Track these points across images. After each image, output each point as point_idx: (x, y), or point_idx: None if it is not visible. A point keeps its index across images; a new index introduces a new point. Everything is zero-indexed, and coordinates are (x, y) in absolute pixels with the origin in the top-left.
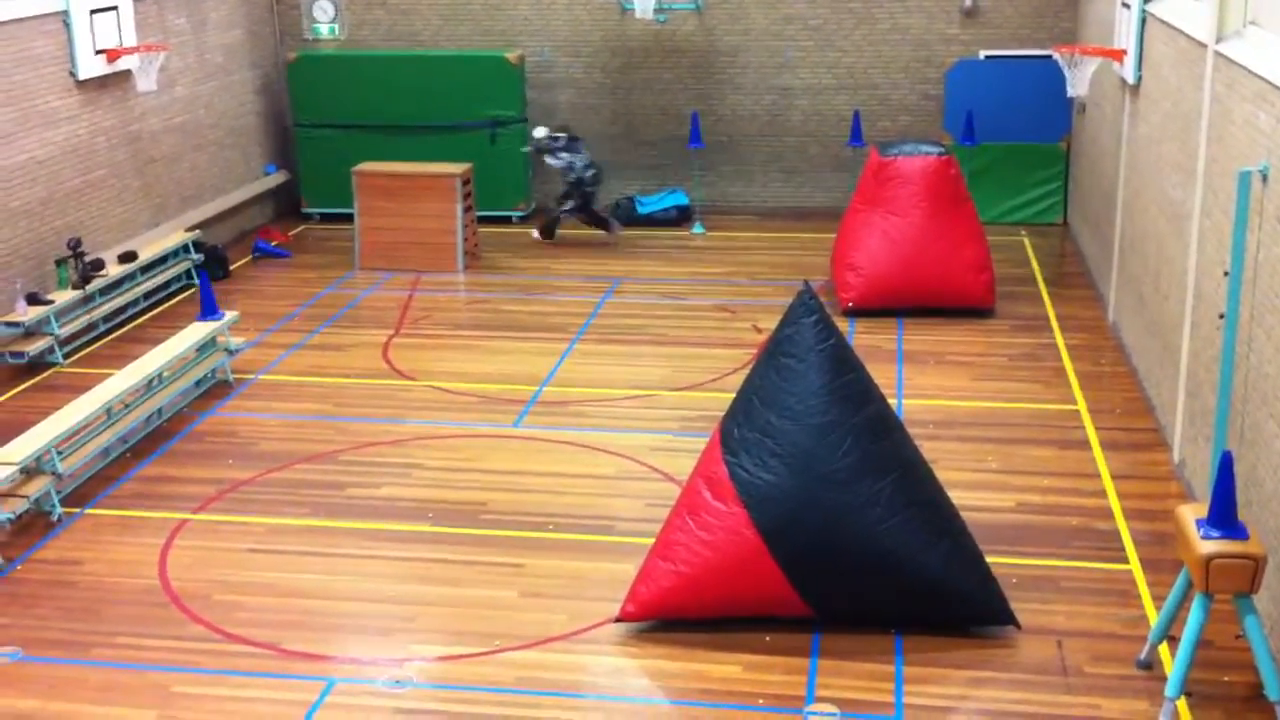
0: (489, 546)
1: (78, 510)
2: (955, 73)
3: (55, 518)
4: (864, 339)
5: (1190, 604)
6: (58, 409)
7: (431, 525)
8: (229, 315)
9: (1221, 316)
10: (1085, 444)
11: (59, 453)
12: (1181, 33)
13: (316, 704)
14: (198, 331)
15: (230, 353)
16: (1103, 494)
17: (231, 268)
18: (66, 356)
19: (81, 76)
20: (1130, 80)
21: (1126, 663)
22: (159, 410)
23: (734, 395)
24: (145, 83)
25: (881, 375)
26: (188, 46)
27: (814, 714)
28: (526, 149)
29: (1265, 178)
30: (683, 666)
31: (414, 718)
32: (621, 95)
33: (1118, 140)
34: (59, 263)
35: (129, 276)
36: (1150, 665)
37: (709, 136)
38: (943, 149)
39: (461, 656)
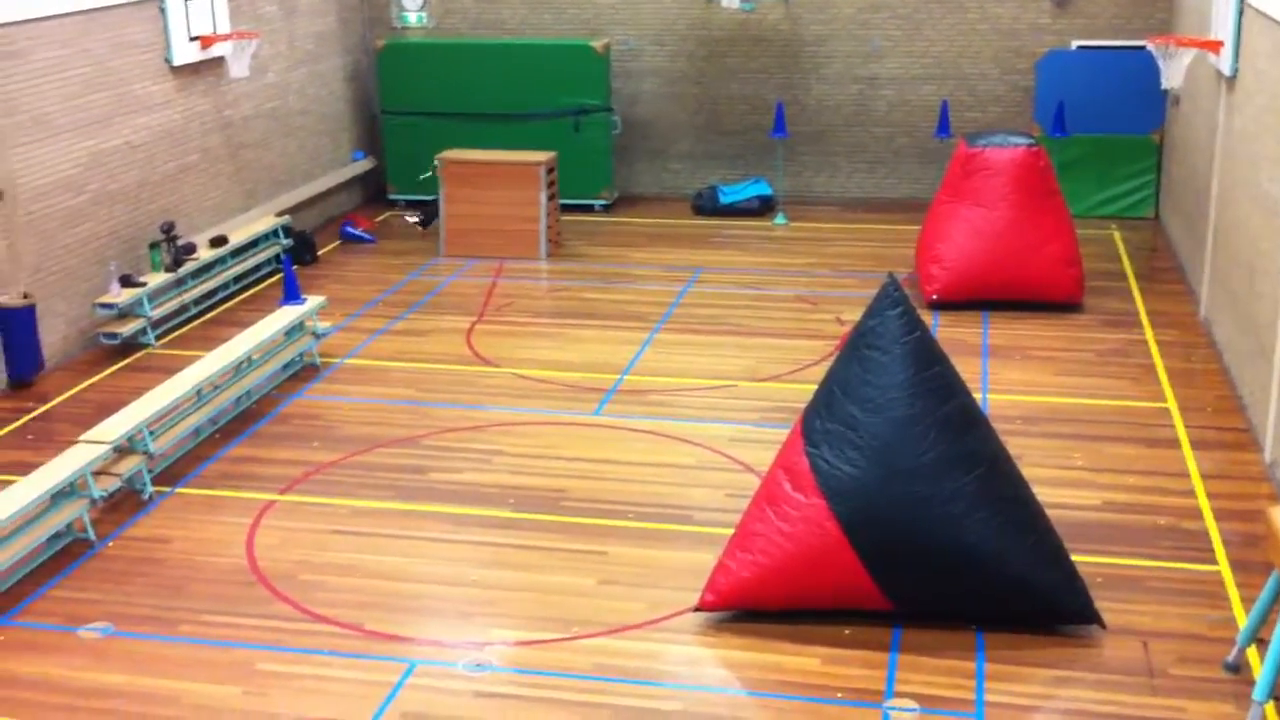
0: (569, 533)
1: (168, 489)
2: (1046, 63)
3: (146, 496)
4: (948, 332)
5: None
6: (149, 390)
7: (512, 511)
8: (316, 300)
9: None
10: (1174, 442)
11: (151, 432)
12: None
13: (398, 685)
14: (286, 315)
15: (317, 336)
16: (1191, 493)
17: (319, 253)
18: (158, 338)
19: (176, 63)
20: (1226, 72)
21: (1213, 665)
22: (247, 392)
23: (815, 387)
24: (238, 69)
25: (966, 369)
26: (279, 34)
27: (894, 709)
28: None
29: None
30: (760, 658)
31: (493, 701)
32: (706, 84)
33: (1212, 133)
34: (152, 246)
35: (219, 260)
36: (1238, 668)
37: (793, 126)
38: (1032, 140)
39: (540, 642)
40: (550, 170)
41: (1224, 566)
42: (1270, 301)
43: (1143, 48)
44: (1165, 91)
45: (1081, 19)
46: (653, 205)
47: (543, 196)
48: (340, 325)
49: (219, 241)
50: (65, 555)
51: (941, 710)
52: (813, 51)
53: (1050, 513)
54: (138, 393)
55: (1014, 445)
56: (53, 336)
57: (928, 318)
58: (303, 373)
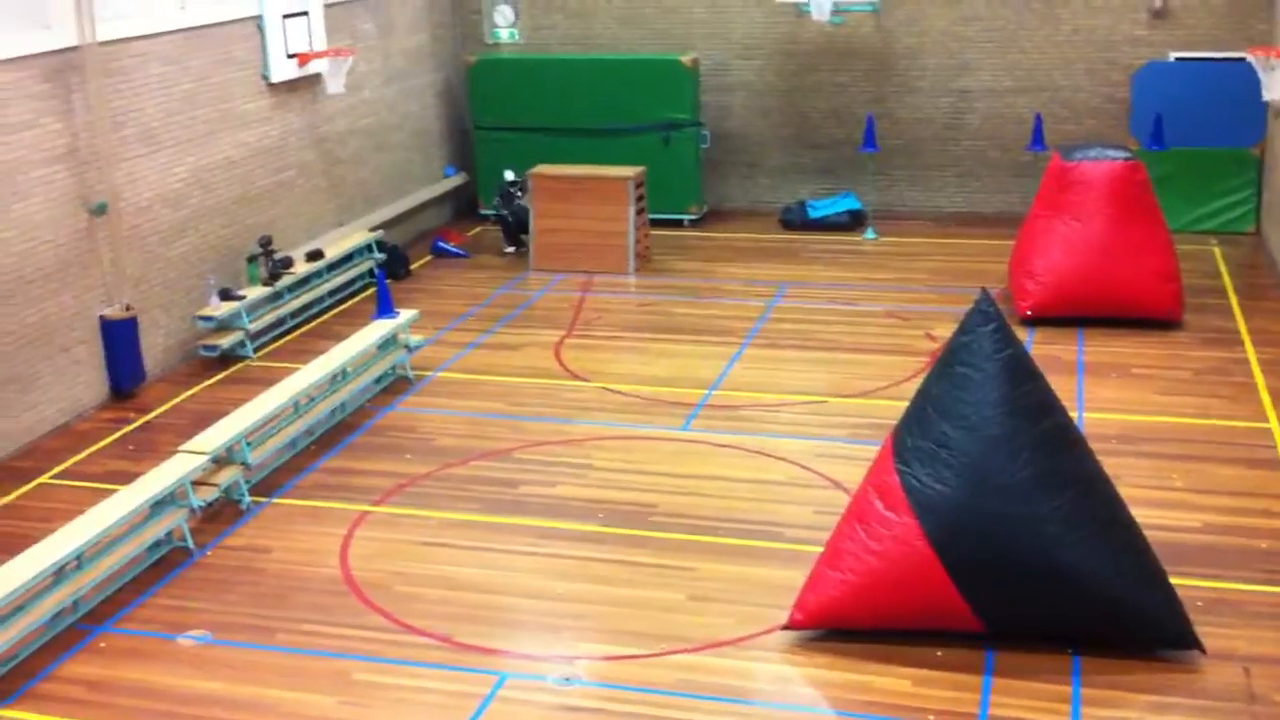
0: (658, 549)
1: (265, 499)
2: (1143, 75)
3: (244, 506)
4: (1043, 349)
5: None
6: (247, 401)
7: (602, 525)
8: (408, 313)
9: None
10: (1276, 463)
11: (248, 443)
12: None
13: (489, 697)
14: (379, 329)
15: (410, 350)
16: None
17: (412, 267)
18: (256, 350)
19: (274, 80)
20: None
21: None
22: (342, 404)
23: (905, 404)
24: (334, 86)
25: (1061, 387)
26: (374, 51)
27: None
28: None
29: None
30: (850, 677)
31: (581, 715)
32: (795, 98)
33: None
34: (250, 260)
35: (315, 274)
36: None
37: (883, 140)
38: (1129, 154)
39: (629, 657)
40: (639, 185)
41: None
42: None
43: (1243, 59)
44: (1266, 104)
45: (1180, 30)
46: (741, 220)
47: (631, 211)
48: (432, 339)
49: (315, 256)
50: (165, 564)
51: None
52: (904, 65)
53: (1149, 534)
54: (236, 404)
55: (1111, 465)
56: (154, 348)
57: (1022, 334)
58: (396, 385)
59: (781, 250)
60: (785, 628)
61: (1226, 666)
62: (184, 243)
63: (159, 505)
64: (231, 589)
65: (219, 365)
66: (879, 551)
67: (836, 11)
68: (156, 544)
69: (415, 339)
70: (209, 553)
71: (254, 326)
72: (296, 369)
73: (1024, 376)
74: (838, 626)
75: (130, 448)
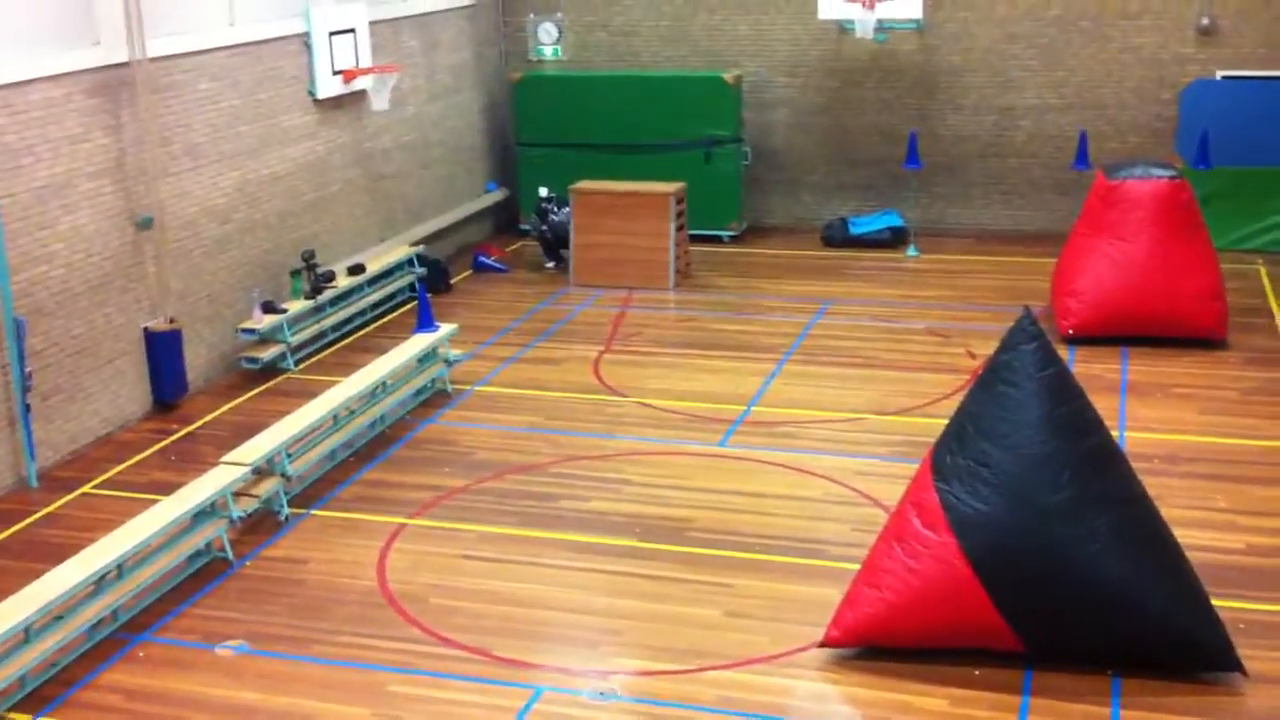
0: (694, 564)
1: (304, 511)
2: (1190, 93)
3: (283, 517)
4: (1084, 368)
5: None
6: (288, 413)
7: (638, 540)
8: (448, 328)
9: None
10: None
11: (288, 455)
12: None
13: (524, 710)
14: (419, 342)
15: (449, 364)
16: None
17: (452, 281)
18: (297, 363)
19: (320, 96)
20: None
21: None
22: (381, 417)
23: (945, 421)
24: (379, 102)
25: (1103, 406)
26: (419, 67)
27: None
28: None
29: None
30: (887, 696)
31: None
32: (837, 115)
33: None
34: (293, 273)
35: (357, 288)
36: None
37: (926, 157)
38: (1174, 172)
39: (665, 672)
40: (680, 201)
41: None
42: None
43: None
44: None
45: (1227, 48)
46: (782, 236)
47: (672, 227)
48: (472, 353)
49: (357, 270)
50: (204, 574)
51: None
52: (948, 82)
53: (1191, 555)
54: (276, 416)
55: (1153, 485)
56: (197, 360)
57: (1063, 353)
58: (435, 399)
59: (822, 267)
60: (822, 645)
61: (1268, 689)
62: (228, 257)
63: (199, 516)
64: (270, 600)
65: (260, 378)
66: (917, 570)
67: (880, 29)
68: (196, 554)
69: (455, 353)
70: (248, 564)
71: (295, 340)
72: (337, 382)
73: (1066, 395)
74: (875, 644)
75: (172, 458)
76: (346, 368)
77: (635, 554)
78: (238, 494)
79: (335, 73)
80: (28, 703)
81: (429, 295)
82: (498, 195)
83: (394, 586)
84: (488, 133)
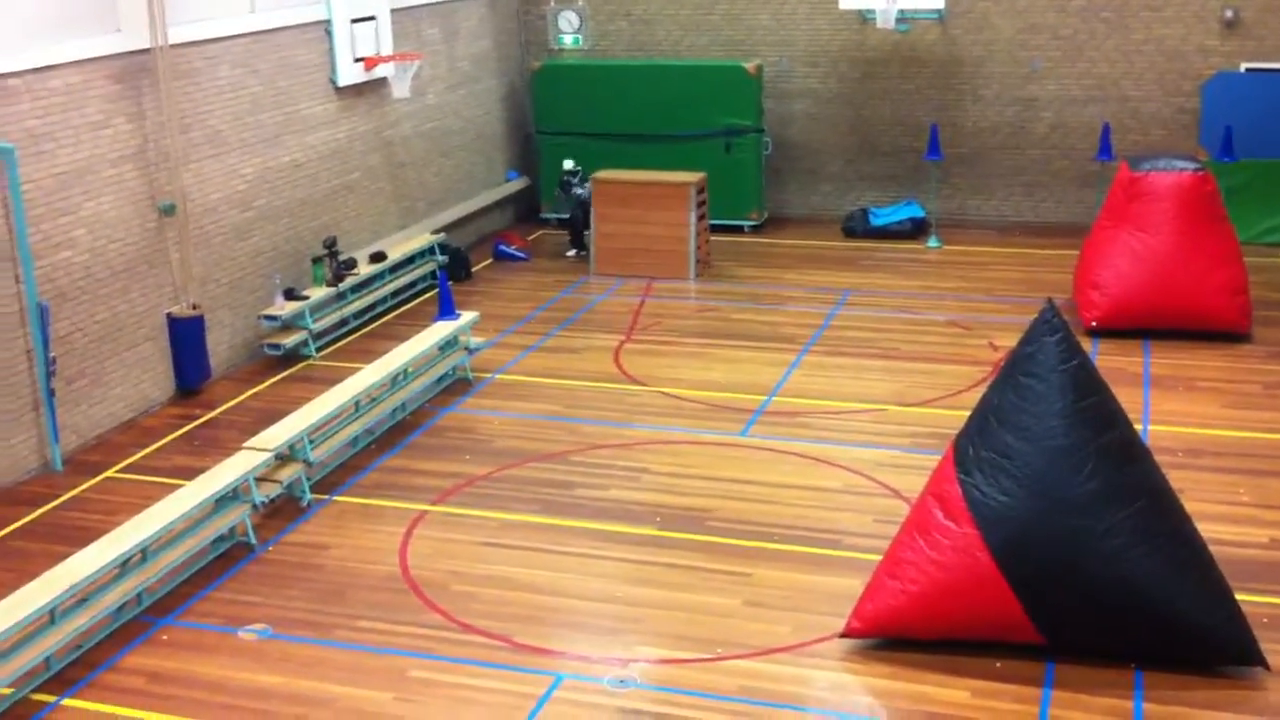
0: (714, 553)
1: (325, 497)
2: (1213, 85)
3: (305, 503)
4: (1107, 360)
5: None
6: (310, 400)
7: (658, 529)
8: (469, 316)
9: None
10: None
11: (310, 441)
12: None
13: (544, 697)
14: (440, 330)
15: (470, 351)
16: None
17: (473, 269)
18: (319, 350)
19: (341, 84)
20: None
21: None
22: (403, 404)
23: (967, 413)
24: (400, 90)
25: (1126, 399)
26: (440, 56)
27: None
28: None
29: None
30: (908, 687)
31: (637, 719)
32: (858, 105)
33: None
34: (315, 260)
35: (378, 275)
36: None
37: (948, 148)
38: (1198, 164)
39: (684, 661)
40: (700, 191)
41: None
42: None
43: None
44: None
45: (1251, 40)
46: (802, 227)
47: (692, 217)
48: (492, 341)
49: (378, 257)
50: (227, 559)
51: None
52: (970, 73)
53: (1214, 550)
54: (298, 402)
55: (1176, 479)
56: (219, 346)
57: (1086, 345)
58: (455, 387)
59: (843, 258)
60: (842, 636)
61: None
62: (250, 243)
63: (222, 501)
64: (291, 585)
65: (282, 364)
66: (939, 561)
67: (902, 19)
68: (219, 539)
69: (476, 341)
70: (270, 548)
71: (317, 326)
72: (358, 369)
73: (1089, 388)
74: (895, 636)
75: (195, 444)
76: (368, 354)
77: (655, 543)
78: (260, 479)
79: (356, 60)
80: (53, 684)
81: (450, 283)
82: (518, 184)
83: (415, 572)
84: (508, 121)
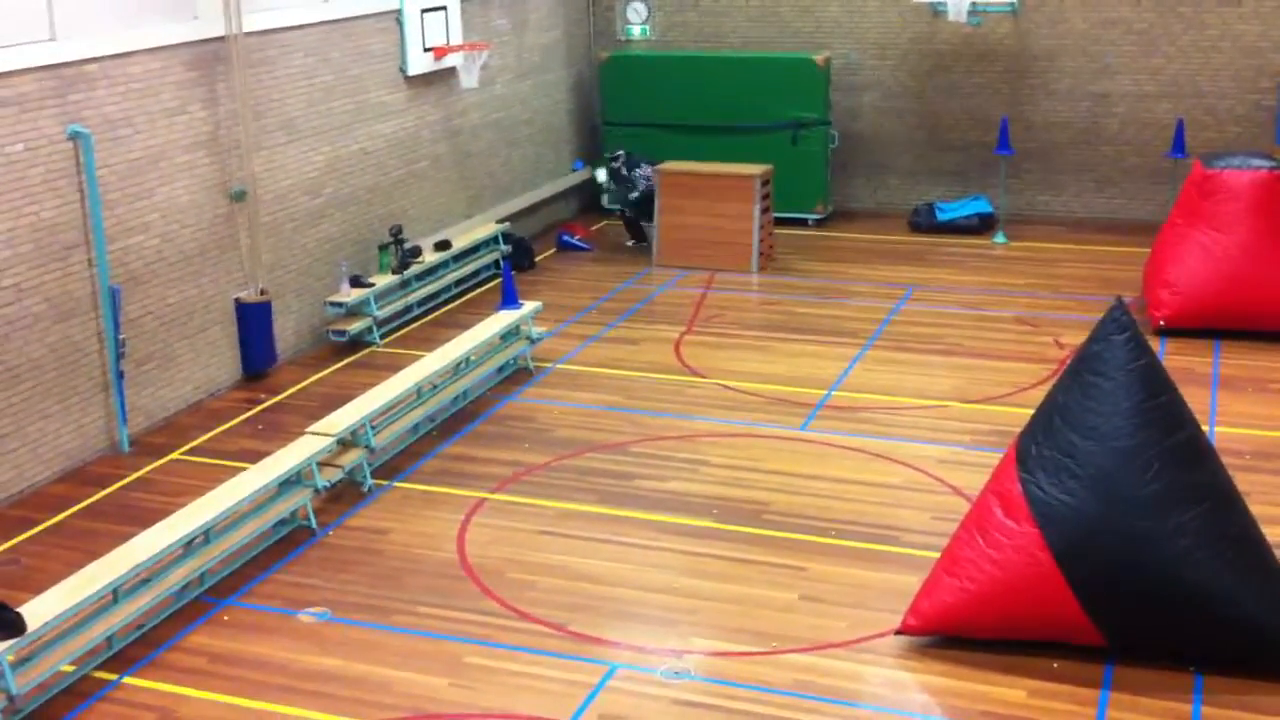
0: (771, 547)
1: (386, 482)
2: None
3: (366, 488)
4: (1176, 360)
5: None
6: (373, 386)
7: (715, 521)
8: (531, 305)
9: None
10: None
11: (373, 427)
12: None
13: (598, 687)
14: (503, 319)
15: (532, 341)
16: None
17: (537, 259)
18: (383, 337)
19: (410, 72)
20: None
21: None
22: (464, 392)
23: (1031, 411)
24: (468, 80)
25: (1194, 399)
26: (508, 46)
27: None
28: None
29: None
30: (964, 686)
31: (691, 710)
32: (928, 99)
33: None
34: (381, 248)
35: (443, 264)
36: None
37: (1018, 143)
38: (1274, 163)
39: (739, 654)
40: (765, 183)
41: None
42: None
43: None
44: None
45: None
46: (868, 221)
47: (756, 209)
48: (554, 331)
49: (443, 246)
50: (288, 542)
51: None
52: (1042, 66)
53: None
54: (362, 389)
55: (1243, 482)
56: (286, 331)
57: (1154, 344)
58: (517, 375)
59: (908, 252)
60: (898, 632)
61: None
62: (318, 230)
63: (285, 485)
64: (351, 569)
65: (347, 350)
66: (998, 560)
67: (974, 12)
68: (281, 522)
69: (538, 331)
70: (330, 532)
71: (382, 313)
72: (421, 356)
73: (1157, 388)
74: (952, 634)
75: (260, 427)
76: (431, 342)
77: (712, 535)
78: (323, 464)
79: (426, 50)
80: (115, 662)
81: (513, 272)
82: (584, 174)
83: (473, 559)
84: (575, 112)
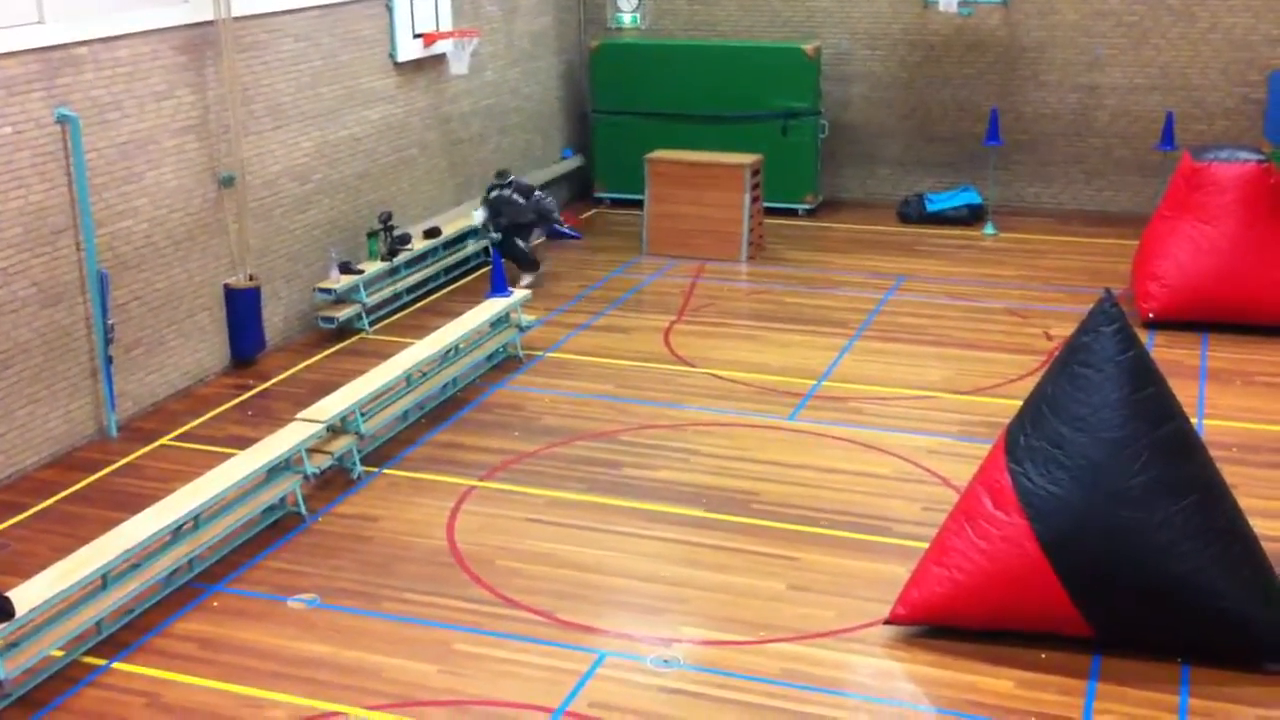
0: (760, 536)
1: (375, 469)
2: None
3: (355, 475)
4: (1164, 352)
5: None
6: (362, 373)
7: (704, 511)
8: (521, 293)
9: None
10: None
11: (362, 414)
12: None
13: (587, 674)
14: (492, 307)
15: (521, 329)
16: None
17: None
18: (372, 324)
19: (400, 59)
20: None
21: None
22: (454, 380)
23: (1020, 402)
24: (458, 66)
25: (1182, 392)
26: (498, 33)
27: None
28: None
29: None
30: (952, 676)
31: (679, 698)
32: (918, 90)
33: None
34: (370, 235)
35: (432, 251)
36: None
37: (1007, 135)
38: (1263, 156)
39: (728, 643)
40: (755, 173)
41: None
42: None
43: None
44: None
45: None
46: (857, 211)
47: (746, 199)
48: (544, 319)
49: (432, 233)
50: (278, 528)
51: None
52: (1032, 58)
53: (1267, 546)
54: (351, 375)
55: (1231, 474)
56: (274, 318)
57: (1143, 336)
58: (506, 363)
59: (898, 243)
60: (887, 622)
61: None
62: (307, 216)
63: (274, 471)
64: (340, 555)
65: (336, 337)
66: (986, 551)
67: (965, 2)
68: (270, 508)
69: (527, 318)
70: (320, 519)
71: (371, 300)
72: (410, 343)
73: (1145, 379)
74: (940, 624)
75: (249, 413)
76: (420, 330)
77: (701, 524)
78: (312, 450)
79: (415, 36)
80: (104, 647)
81: (503, 260)
82: (573, 162)
83: (462, 547)
84: (565, 100)
